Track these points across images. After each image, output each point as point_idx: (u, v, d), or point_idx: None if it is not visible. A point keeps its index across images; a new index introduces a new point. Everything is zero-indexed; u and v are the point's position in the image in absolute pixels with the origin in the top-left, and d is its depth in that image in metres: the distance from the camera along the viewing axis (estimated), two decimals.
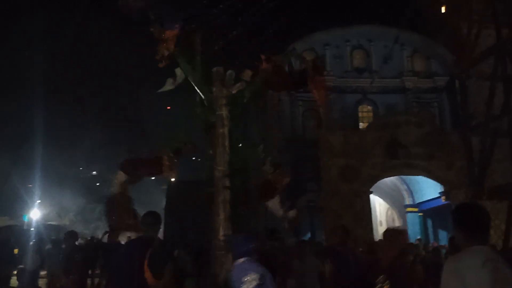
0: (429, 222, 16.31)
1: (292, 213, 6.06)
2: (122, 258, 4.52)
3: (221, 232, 5.16)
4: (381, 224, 17.82)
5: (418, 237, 14.86)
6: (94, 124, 22.97)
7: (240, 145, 5.82)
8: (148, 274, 4.21)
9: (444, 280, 2.74)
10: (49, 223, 15.28)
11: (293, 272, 6.93)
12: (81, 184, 24.93)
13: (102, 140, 22.39)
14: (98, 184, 26.33)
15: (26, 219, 17.26)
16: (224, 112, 5.48)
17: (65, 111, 23.34)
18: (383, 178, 14.33)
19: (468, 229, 2.79)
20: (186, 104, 6.24)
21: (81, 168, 25.60)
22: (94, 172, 26.23)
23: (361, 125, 17.85)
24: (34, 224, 15.77)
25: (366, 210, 13.77)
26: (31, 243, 8.12)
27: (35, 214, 20.13)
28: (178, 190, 11.90)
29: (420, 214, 16.54)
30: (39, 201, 21.81)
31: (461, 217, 2.86)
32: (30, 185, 20.86)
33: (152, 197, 21.74)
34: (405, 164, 13.86)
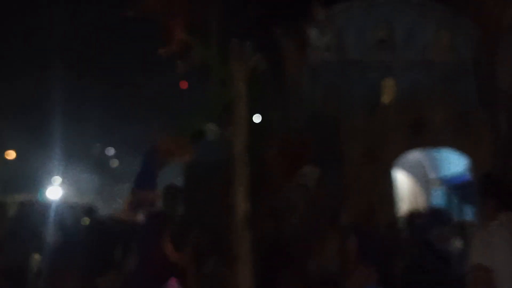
0: (454, 198, 16.04)
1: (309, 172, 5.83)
2: (143, 233, 4.57)
3: (241, 210, 5.12)
4: (404, 202, 17.61)
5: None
6: (111, 103, 23.17)
7: (260, 121, 5.75)
8: (169, 249, 4.24)
9: (473, 250, 2.69)
10: (67, 202, 15.60)
11: (314, 252, 6.89)
12: (99, 164, 25.39)
13: (119, 120, 22.58)
14: (116, 165, 26.76)
15: (41, 198, 17.64)
16: (242, 88, 5.38)
17: (86, 89, 23.52)
18: (406, 154, 14.11)
19: (498, 197, 2.74)
20: (202, 82, 6.18)
21: (98, 148, 25.91)
22: (112, 153, 26.56)
23: (384, 101, 17.49)
24: (52, 202, 16.18)
25: (390, 188, 13.62)
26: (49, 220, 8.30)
27: (53, 193, 20.61)
28: (195, 172, 11.90)
29: (445, 190, 16.29)
30: (58, 180, 22.30)
31: (491, 184, 2.81)
32: (49, 164, 21.29)
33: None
34: (430, 140, 13.59)
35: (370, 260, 4.60)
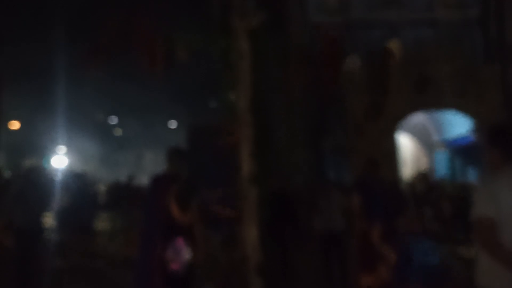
0: (458, 161, 16.04)
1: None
2: (148, 193, 4.60)
3: (246, 169, 5.14)
4: (407, 164, 17.66)
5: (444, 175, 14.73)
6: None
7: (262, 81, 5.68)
8: (174, 209, 4.27)
9: (477, 202, 2.68)
10: (72, 170, 15.71)
11: (318, 210, 6.97)
12: (103, 132, 25.47)
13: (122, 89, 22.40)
14: (119, 134, 26.80)
15: (47, 165, 17.75)
16: (244, 45, 5.29)
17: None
18: (410, 115, 14.01)
19: (505, 146, 2.71)
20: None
21: (101, 116, 25.88)
22: (115, 122, 26.57)
23: (390, 60, 17.18)
24: (57, 170, 16.34)
25: (392, 149, 13.60)
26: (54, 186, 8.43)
27: (58, 161, 20.76)
28: (197, 135, 11.95)
29: (448, 152, 16.28)
30: (62, 148, 22.41)
31: (499, 135, 2.78)
32: (53, 133, 21.33)
33: (157, 137, 21.77)
34: (434, 100, 13.43)
35: (374, 216, 4.62)
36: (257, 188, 5.03)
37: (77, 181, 9.49)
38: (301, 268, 6.57)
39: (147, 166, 22.97)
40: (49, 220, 7.75)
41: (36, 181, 6.26)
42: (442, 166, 16.03)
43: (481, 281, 2.69)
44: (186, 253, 4.32)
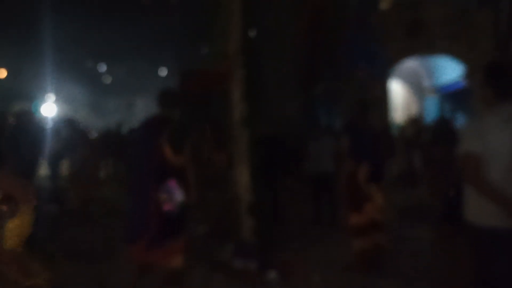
0: (447, 106, 16.14)
1: None
2: (140, 136, 4.61)
3: (237, 110, 5.15)
4: (396, 110, 17.75)
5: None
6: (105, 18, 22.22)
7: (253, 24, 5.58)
8: (167, 150, 4.30)
9: (465, 138, 2.72)
10: (62, 117, 15.58)
11: (309, 154, 7.07)
12: (92, 79, 25.08)
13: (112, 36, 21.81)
14: (108, 82, 26.42)
15: (36, 110, 17.53)
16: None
17: (77, 3, 22.37)
18: (402, 60, 13.94)
19: (498, 84, 2.72)
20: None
21: (90, 63, 25.34)
22: (104, 69, 26.07)
23: (382, 5, 16.84)
24: (46, 118, 16.25)
25: (383, 95, 13.63)
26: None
27: (47, 109, 20.56)
28: (188, 81, 11.81)
29: (438, 98, 16.35)
30: (51, 96, 22.13)
31: (494, 72, 2.78)
32: (41, 80, 20.95)
33: (148, 84, 21.46)
34: (427, 44, 13.32)
35: (363, 158, 4.68)
36: (248, 131, 5.08)
37: (67, 127, 9.43)
38: (291, 209, 6.76)
39: (137, 113, 22.83)
40: (41, 165, 7.78)
41: (26, 125, 6.22)
42: (432, 111, 16.14)
43: (468, 216, 2.79)
44: (179, 195, 4.40)
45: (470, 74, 13.66)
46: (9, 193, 3.99)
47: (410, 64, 15.45)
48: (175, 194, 4.36)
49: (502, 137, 2.59)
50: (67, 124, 9.43)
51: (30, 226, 3.94)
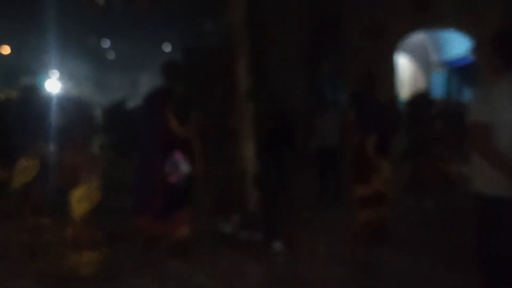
0: (455, 81, 15.98)
1: None
2: (145, 107, 4.61)
3: (242, 85, 5.12)
4: (403, 85, 17.59)
5: (441, 96, 14.71)
6: None
7: None
8: (173, 122, 4.31)
9: (474, 107, 2.70)
10: (66, 93, 15.56)
11: (315, 129, 7.06)
12: (96, 55, 24.92)
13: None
14: (112, 58, 26.26)
15: (41, 86, 17.45)
16: None
17: None
18: (410, 34, 13.73)
19: (507, 53, 2.68)
20: None
21: (94, 39, 25.09)
22: (108, 45, 25.84)
23: None
24: (51, 94, 16.25)
25: (390, 70, 13.48)
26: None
27: (51, 85, 20.53)
28: (191, 57, 11.72)
29: (445, 72, 16.16)
30: (55, 73, 22.07)
31: (503, 41, 2.74)
32: (45, 56, 20.85)
33: (152, 60, 21.29)
34: (435, 18, 13.09)
35: (370, 129, 4.67)
36: (254, 104, 5.06)
37: (72, 103, 9.42)
38: (297, 182, 6.79)
39: (141, 89, 22.77)
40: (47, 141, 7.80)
41: (32, 100, 6.18)
42: (439, 86, 15.99)
43: (476, 186, 2.80)
44: (184, 167, 4.42)
45: (477, 48, 13.47)
46: (72, 162, 4.08)
47: (417, 38, 15.23)
48: (181, 166, 4.38)
49: (510, 106, 2.57)
50: (71, 100, 9.42)
51: (98, 196, 4.07)
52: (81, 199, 3.99)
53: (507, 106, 2.58)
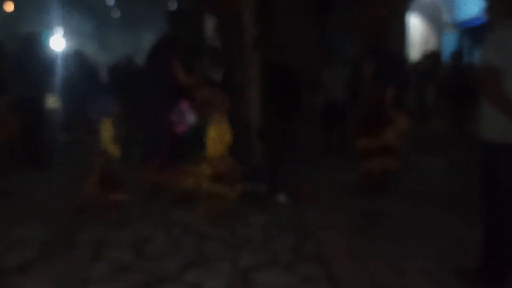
0: (466, 42, 15.64)
1: None
2: (151, 56, 4.56)
3: (249, 34, 5.02)
4: (414, 47, 17.27)
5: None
6: None
7: None
8: (178, 70, 4.27)
9: (485, 51, 2.67)
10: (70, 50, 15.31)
11: (321, 84, 6.98)
12: (101, 13, 24.41)
13: None
14: (117, 16, 25.68)
15: (46, 41, 17.17)
16: None
17: None
18: None
19: None
20: None
21: None
22: (113, 2, 25.22)
23: None
24: (55, 51, 16.06)
25: (402, 29, 13.17)
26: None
27: (55, 42, 20.25)
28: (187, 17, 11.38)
29: (457, 33, 15.81)
30: (59, 30, 21.74)
31: None
32: (49, 13, 20.50)
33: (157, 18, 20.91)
34: None
35: (388, 81, 4.62)
36: (259, 55, 4.99)
37: (76, 58, 9.34)
38: (302, 137, 6.78)
39: (147, 48, 22.46)
40: (50, 94, 7.78)
41: (34, 48, 6.07)
42: (450, 47, 15.66)
43: (483, 131, 2.78)
44: (190, 116, 4.41)
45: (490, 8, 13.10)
46: (204, 100, 4.11)
47: None
48: (187, 116, 4.38)
49: None
50: (75, 56, 9.34)
51: (230, 135, 4.16)
52: (215, 140, 4.13)
53: None
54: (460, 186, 4.93)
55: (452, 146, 7.24)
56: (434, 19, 16.55)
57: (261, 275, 3.10)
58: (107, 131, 4.19)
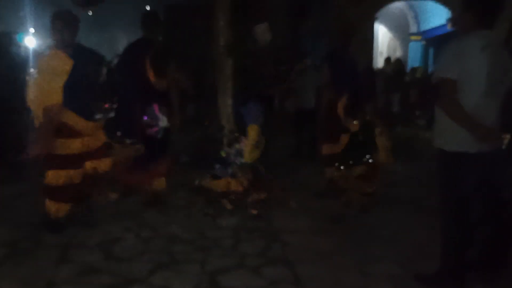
0: (432, 51, 16.16)
1: (260, 28, 5.57)
2: (124, 59, 4.55)
3: (221, 40, 5.08)
4: (381, 55, 17.71)
5: (417, 65, 14.88)
6: None
7: None
8: (151, 73, 4.29)
9: (444, 62, 2.76)
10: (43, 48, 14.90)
11: (292, 89, 7.09)
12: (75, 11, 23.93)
13: None
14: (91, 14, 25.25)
15: (21, 41, 16.79)
16: None
17: None
18: (388, 4, 13.73)
19: (478, 10, 2.73)
20: None
21: None
22: None
23: None
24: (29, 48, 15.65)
25: (369, 37, 13.48)
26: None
27: (29, 41, 19.71)
28: (172, 16, 11.40)
29: (423, 42, 16.30)
30: (32, 29, 21.18)
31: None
32: (22, 12, 19.95)
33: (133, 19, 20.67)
34: None
35: (343, 88, 4.69)
36: (232, 59, 5.05)
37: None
38: (273, 142, 6.86)
39: (121, 48, 22.04)
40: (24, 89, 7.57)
41: (7, 47, 5.95)
42: (416, 55, 16.16)
43: (437, 141, 2.90)
44: (162, 119, 4.44)
45: (455, 19, 13.52)
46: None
47: (397, 8, 15.27)
48: (159, 119, 4.40)
49: (478, 63, 2.64)
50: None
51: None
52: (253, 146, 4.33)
53: (475, 62, 2.65)
54: (426, 191, 5.10)
55: (417, 152, 7.49)
56: (400, 28, 17.02)
57: (229, 277, 3.15)
58: None
